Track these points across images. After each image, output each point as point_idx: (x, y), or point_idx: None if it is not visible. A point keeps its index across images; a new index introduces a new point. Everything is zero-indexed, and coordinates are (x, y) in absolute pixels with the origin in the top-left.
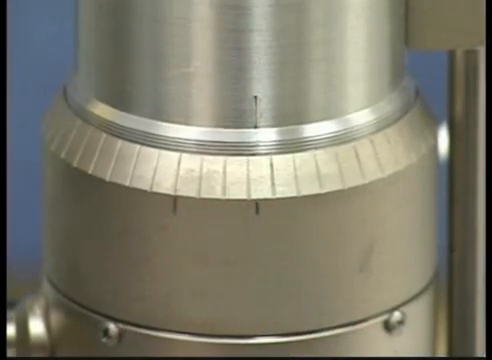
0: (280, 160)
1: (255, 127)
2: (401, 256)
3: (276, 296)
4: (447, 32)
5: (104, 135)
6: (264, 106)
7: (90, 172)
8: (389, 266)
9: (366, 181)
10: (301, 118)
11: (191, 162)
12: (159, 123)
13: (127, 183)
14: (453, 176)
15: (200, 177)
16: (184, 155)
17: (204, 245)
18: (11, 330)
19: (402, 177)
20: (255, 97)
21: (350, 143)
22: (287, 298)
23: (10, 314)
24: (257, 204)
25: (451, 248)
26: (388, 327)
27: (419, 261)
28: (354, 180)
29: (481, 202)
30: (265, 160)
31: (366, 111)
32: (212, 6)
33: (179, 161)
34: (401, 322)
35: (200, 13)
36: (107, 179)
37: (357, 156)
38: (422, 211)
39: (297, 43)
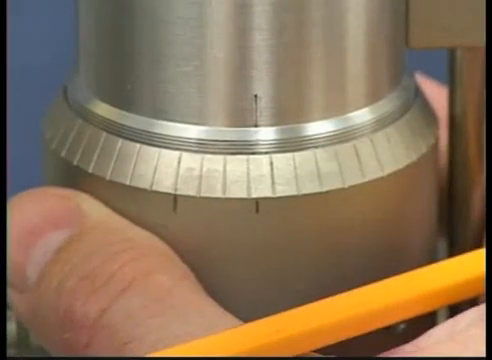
0: (280, 159)
1: (255, 126)
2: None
3: (276, 294)
4: (447, 31)
5: (104, 134)
6: (264, 105)
7: (90, 171)
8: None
9: (366, 180)
10: (301, 117)
11: (191, 161)
12: (159, 122)
13: (127, 182)
14: (453, 176)
15: (200, 176)
16: (184, 154)
17: (204, 244)
18: (11, 330)
19: (402, 176)
20: (255, 96)
21: (350, 142)
22: (287, 296)
23: (10, 314)
24: (257, 203)
25: (451, 248)
26: (388, 327)
27: (419, 258)
28: (354, 179)
29: (481, 201)
30: (265, 159)
31: (366, 110)
32: (212, 5)
33: (179, 160)
34: (400, 321)
35: (200, 12)
36: (107, 178)
37: (357, 155)
38: (422, 210)
39: (297, 42)
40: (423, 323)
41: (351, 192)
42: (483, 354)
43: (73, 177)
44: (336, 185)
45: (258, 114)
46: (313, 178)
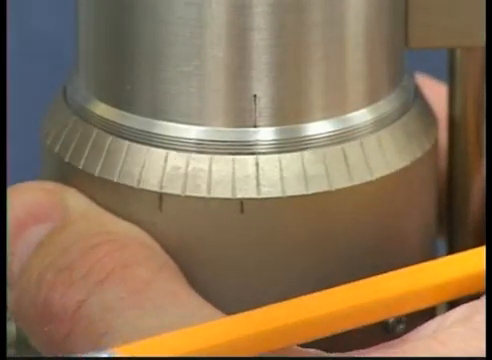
0: (266, 160)
1: (255, 126)
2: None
3: (260, 294)
4: (447, 31)
5: (95, 131)
6: (263, 105)
7: (81, 167)
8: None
9: (353, 183)
10: (300, 117)
11: (178, 160)
12: (156, 121)
13: (115, 179)
14: (453, 176)
15: (186, 174)
16: (171, 152)
17: (189, 242)
18: (11, 330)
19: (394, 180)
20: (255, 96)
21: (339, 145)
22: (271, 296)
23: (10, 314)
24: (242, 203)
25: (451, 248)
26: (387, 327)
27: (416, 261)
28: (341, 182)
29: (481, 201)
30: (251, 159)
31: (363, 111)
32: (212, 6)
33: (166, 158)
34: (400, 322)
35: (200, 12)
36: (96, 174)
37: (345, 158)
38: (418, 212)
39: (296, 42)
40: (422, 323)
41: (338, 195)
42: (462, 353)
43: (65, 173)
44: (322, 188)
45: (257, 114)
46: (299, 180)
